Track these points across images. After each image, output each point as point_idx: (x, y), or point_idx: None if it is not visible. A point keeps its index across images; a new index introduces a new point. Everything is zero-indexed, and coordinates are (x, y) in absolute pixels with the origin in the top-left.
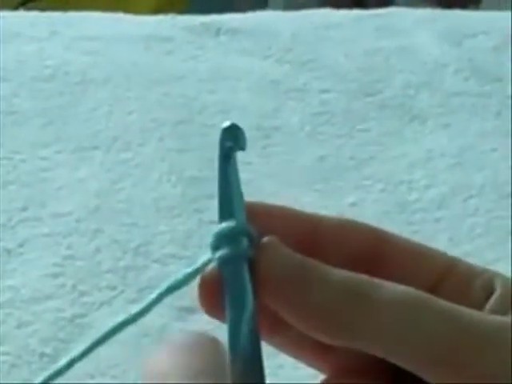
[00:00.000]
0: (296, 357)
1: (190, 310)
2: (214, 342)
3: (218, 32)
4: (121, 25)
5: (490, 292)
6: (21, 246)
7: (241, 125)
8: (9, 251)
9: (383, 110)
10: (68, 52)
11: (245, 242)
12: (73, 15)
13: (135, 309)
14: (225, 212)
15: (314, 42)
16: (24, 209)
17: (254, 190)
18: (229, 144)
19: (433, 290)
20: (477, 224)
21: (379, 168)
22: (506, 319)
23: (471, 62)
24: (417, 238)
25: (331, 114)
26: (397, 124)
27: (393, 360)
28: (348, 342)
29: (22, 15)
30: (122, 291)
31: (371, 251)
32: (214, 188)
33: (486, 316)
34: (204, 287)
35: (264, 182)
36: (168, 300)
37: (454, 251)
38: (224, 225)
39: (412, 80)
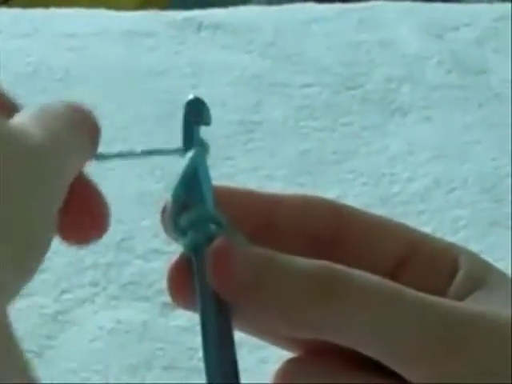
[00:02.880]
0: (261, 338)
1: (172, 306)
2: None
3: (199, 27)
4: (103, 21)
5: (455, 271)
6: None
7: (223, 120)
8: None
9: (365, 103)
10: (50, 49)
11: (212, 228)
12: (55, 12)
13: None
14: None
15: (296, 37)
16: None
17: (237, 184)
18: (193, 118)
19: (396, 270)
20: (460, 216)
21: (361, 161)
22: (481, 309)
23: (453, 54)
24: None
25: (313, 107)
26: (379, 117)
27: (367, 354)
28: (315, 336)
29: (4, 12)
30: (105, 288)
31: (332, 228)
32: None
33: (461, 307)
34: (171, 273)
35: (247, 177)
36: (151, 296)
37: None
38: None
39: (394, 73)
